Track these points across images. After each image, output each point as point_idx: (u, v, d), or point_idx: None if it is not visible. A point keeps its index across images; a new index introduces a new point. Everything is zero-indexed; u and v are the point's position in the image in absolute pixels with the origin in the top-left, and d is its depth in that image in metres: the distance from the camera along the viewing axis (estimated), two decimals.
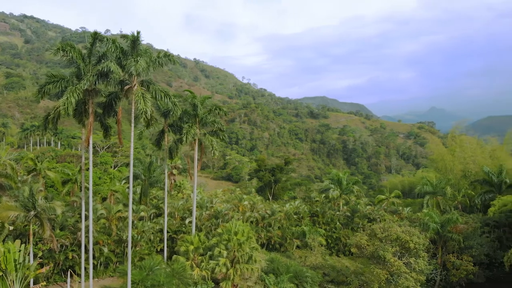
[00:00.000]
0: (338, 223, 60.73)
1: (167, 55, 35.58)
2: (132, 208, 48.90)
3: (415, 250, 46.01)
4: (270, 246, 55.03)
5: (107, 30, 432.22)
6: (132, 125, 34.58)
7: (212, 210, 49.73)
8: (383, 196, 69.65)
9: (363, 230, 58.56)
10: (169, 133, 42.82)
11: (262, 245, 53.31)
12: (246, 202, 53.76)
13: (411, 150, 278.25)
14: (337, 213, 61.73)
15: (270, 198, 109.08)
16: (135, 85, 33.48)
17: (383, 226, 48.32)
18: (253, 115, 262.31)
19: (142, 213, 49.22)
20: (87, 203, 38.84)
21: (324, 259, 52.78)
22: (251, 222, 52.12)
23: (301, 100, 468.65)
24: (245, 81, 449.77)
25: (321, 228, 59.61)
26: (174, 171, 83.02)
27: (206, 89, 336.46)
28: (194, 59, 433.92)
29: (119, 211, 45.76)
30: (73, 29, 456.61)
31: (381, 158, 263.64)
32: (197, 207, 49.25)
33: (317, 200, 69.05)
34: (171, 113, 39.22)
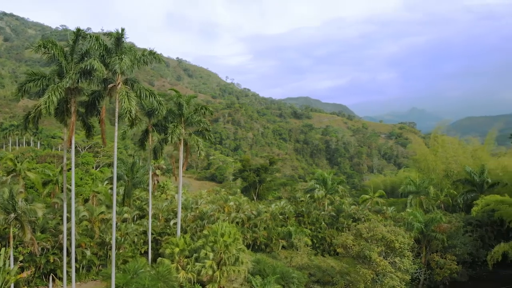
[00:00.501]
0: (323, 223, 60.67)
1: (152, 53, 34.73)
2: (115, 210, 47.77)
3: (400, 249, 46.24)
4: (256, 247, 54.58)
5: (88, 29, 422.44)
6: (116, 124, 33.64)
7: (197, 212, 48.87)
8: (367, 196, 69.95)
9: (349, 230, 58.63)
10: (154, 133, 41.87)
11: (247, 246, 52.80)
12: (231, 203, 53.15)
13: (392, 150, 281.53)
14: (322, 213, 61.68)
15: (255, 198, 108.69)
16: (119, 83, 32.51)
17: (368, 226, 48.41)
18: (237, 115, 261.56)
19: (126, 215, 48.08)
20: (69, 205, 37.64)
21: (310, 259, 52.63)
22: (237, 223, 51.55)
23: (284, 100, 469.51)
24: (228, 81, 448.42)
25: (306, 228, 59.44)
26: (158, 172, 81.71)
27: (189, 89, 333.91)
28: (177, 58, 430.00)
29: (101, 212, 44.60)
30: (54, 27, 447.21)
31: (363, 158, 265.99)
32: (182, 208, 48.40)
33: (302, 200, 68.90)
34: (156, 112, 38.25)
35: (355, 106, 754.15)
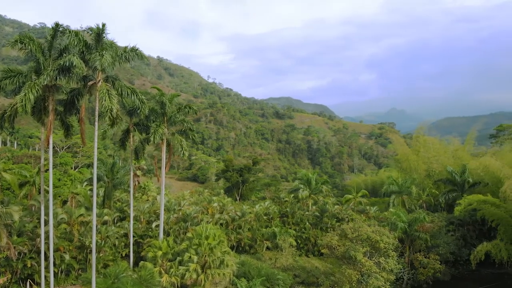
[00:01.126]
0: (307, 223, 60.27)
1: (134, 50, 33.53)
2: (95, 212, 46.22)
3: (385, 249, 46.15)
4: (240, 248, 53.74)
5: (67, 26, 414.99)
6: (96, 123, 32.32)
7: (180, 213, 47.69)
8: (350, 196, 69.95)
9: (333, 230, 58.44)
10: (135, 133, 40.57)
11: (232, 248, 51.93)
12: (215, 204, 52.17)
13: (372, 150, 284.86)
14: (307, 213, 61.29)
15: (238, 198, 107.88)
16: (99, 81, 31.23)
17: (353, 226, 48.14)
18: (219, 115, 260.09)
19: (106, 217, 46.55)
20: (46, 207, 36.09)
21: (294, 260, 52.12)
22: (221, 224, 50.62)
23: (266, 100, 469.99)
24: (210, 80, 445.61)
25: (291, 228, 58.95)
26: (138, 172, 79.97)
27: (170, 88, 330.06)
28: (158, 57, 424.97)
29: (81, 215, 43.04)
30: (32, 24, 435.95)
31: (344, 157, 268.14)
32: (164, 210, 47.19)
33: (286, 201, 68.40)
34: (138, 111, 37.01)
35: (335, 106, 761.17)
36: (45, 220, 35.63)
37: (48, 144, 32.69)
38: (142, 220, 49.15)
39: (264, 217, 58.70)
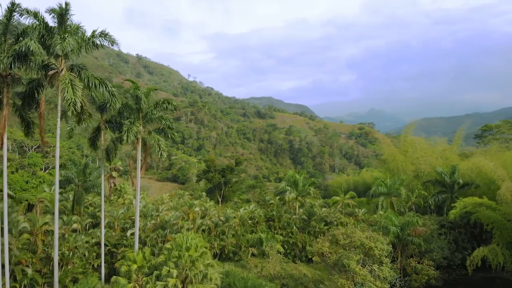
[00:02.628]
0: (294, 228, 56.69)
1: (103, 34, 28.98)
2: (63, 219, 41.43)
3: (378, 256, 42.97)
4: (224, 256, 49.66)
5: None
6: (58, 119, 27.75)
7: (158, 220, 43.18)
8: (338, 198, 66.67)
9: (322, 235, 55.07)
10: (107, 131, 36.04)
11: (215, 255, 47.83)
12: (197, 209, 47.94)
13: (353, 150, 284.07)
14: (294, 216, 57.69)
15: (220, 200, 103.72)
16: (62, 69, 26.75)
17: (345, 231, 44.78)
18: (200, 114, 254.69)
19: (75, 225, 41.71)
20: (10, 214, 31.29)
21: (282, 267, 48.38)
22: (203, 230, 46.45)
23: (248, 100, 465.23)
24: (191, 79, 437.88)
25: (277, 233, 55.32)
26: (114, 174, 75.03)
27: (149, 86, 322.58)
28: (137, 54, 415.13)
29: (46, 223, 38.14)
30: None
31: (325, 157, 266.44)
32: (140, 216, 42.72)
33: (272, 203, 64.66)
34: (109, 106, 32.58)
35: (316, 107, 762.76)
36: (7, 228, 30.83)
37: (2, 143, 27.96)
38: (116, 227, 44.44)
39: (249, 222, 54.82)
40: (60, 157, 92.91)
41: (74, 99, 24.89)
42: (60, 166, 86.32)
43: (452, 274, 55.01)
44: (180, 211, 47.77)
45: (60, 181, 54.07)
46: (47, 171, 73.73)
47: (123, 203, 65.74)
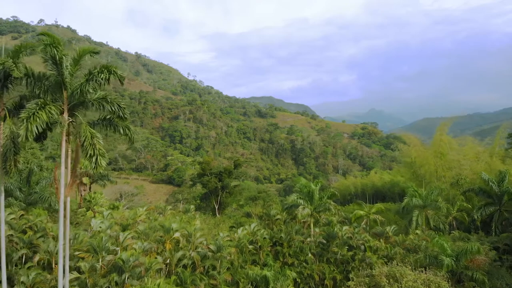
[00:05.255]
0: (309, 254, 42.06)
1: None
2: None
3: None
4: None
5: (41, 20, 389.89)
6: None
7: (116, 257, 28.40)
8: (362, 212, 51.93)
9: (347, 265, 40.68)
10: (10, 120, 21.27)
11: None
12: (177, 234, 33.45)
13: (357, 150, 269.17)
14: (308, 239, 43.01)
15: (217, 207, 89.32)
16: None
17: (388, 272, 30.35)
18: (199, 113, 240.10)
19: None
20: None
21: None
22: (184, 266, 32.02)
23: (248, 99, 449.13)
24: (190, 77, 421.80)
25: (287, 262, 40.75)
26: (85, 180, 60.28)
27: (147, 84, 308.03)
28: (136, 53, 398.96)
29: None
30: (4, 18, 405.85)
31: (328, 158, 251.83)
32: (90, 250, 28.17)
33: (278, 219, 49.97)
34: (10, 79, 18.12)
35: (316, 107, 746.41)
36: None
37: None
38: (54, 265, 29.84)
39: (250, 247, 40.19)
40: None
41: None
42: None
43: None
44: (153, 239, 33.25)
45: None
46: None
47: (92, 217, 51.20)
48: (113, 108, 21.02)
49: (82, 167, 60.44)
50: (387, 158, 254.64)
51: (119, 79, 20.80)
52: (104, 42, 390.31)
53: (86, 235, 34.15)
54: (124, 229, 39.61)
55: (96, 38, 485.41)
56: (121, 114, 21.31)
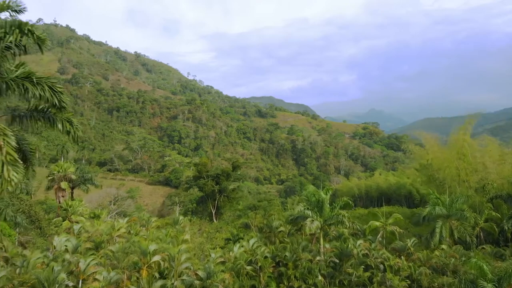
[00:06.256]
0: (319, 277, 34.93)
1: None
2: None
3: None
4: None
5: (39, 19, 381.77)
6: None
7: None
8: (377, 223, 44.63)
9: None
10: None
11: None
12: (157, 258, 26.28)
13: (359, 150, 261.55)
14: (318, 258, 35.84)
15: (214, 211, 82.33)
16: None
17: None
18: (198, 112, 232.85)
19: None
20: None
21: None
22: None
23: (248, 99, 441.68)
24: (190, 77, 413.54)
25: (292, 287, 33.62)
26: (64, 185, 53.07)
27: (146, 84, 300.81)
28: (135, 52, 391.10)
29: None
30: (3, 17, 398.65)
31: (330, 158, 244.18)
32: (36, 286, 21.09)
33: (281, 231, 42.77)
34: None
35: (316, 106, 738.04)
36: None
37: None
38: None
39: (248, 268, 33.09)
40: None
41: None
42: None
43: None
44: (125, 264, 26.12)
45: None
46: None
47: (67, 230, 44.10)
48: (43, 93, 13.92)
49: (60, 170, 53.36)
50: (390, 159, 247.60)
51: (38, 43, 13.65)
52: (103, 41, 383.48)
53: (44, 259, 27.07)
54: (97, 246, 32.51)
55: (95, 37, 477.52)
56: (55, 101, 14.22)
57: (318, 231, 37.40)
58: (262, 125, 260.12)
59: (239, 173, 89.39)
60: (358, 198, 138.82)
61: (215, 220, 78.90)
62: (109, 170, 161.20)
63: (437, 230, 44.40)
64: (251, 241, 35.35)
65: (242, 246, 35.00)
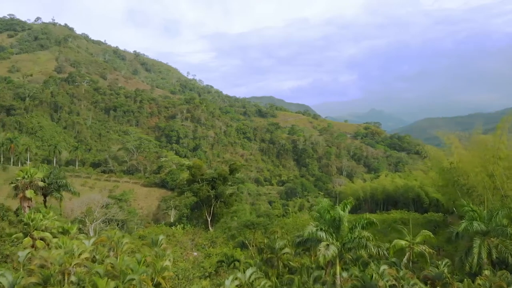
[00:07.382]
0: None
1: None
2: None
3: None
4: None
5: (38, 18, 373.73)
6: None
7: None
8: (403, 242, 36.27)
9: None
10: None
11: None
12: None
13: (362, 150, 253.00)
14: None
15: (209, 219, 74.17)
16: None
17: None
18: (197, 112, 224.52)
19: None
20: None
21: None
22: None
23: (249, 99, 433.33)
24: (190, 76, 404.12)
25: None
26: (29, 193, 44.65)
27: (145, 83, 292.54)
28: (134, 51, 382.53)
29: None
30: (1, 16, 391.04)
31: (332, 158, 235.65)
32: None
33: (285, 253, 34.46)
34: None
35: (316, 106, 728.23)
36: None
37: None
38: None
39: None
40: None
41: None
42: None
43: None
44: None
45: None
46: None
47: (31, 246, 35.93)
48: None
49: (26, 176, 45.00)
50: (393, 159, 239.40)
51: None
52: (102, 40, 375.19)
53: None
54: (45, 281, 24.25)
55: (95, 37, 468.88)
56: None
57: (335, 258, 28.97)
58: (262, 125, 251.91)
59: (237, 176, 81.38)
60: (363, 201, 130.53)
61: (210, 228, 70.95)
62: (104, 172, 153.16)
63: (475, 250, 36.04)
64: (248, 272, 26.98)
65: (236, 279, 26.65)
